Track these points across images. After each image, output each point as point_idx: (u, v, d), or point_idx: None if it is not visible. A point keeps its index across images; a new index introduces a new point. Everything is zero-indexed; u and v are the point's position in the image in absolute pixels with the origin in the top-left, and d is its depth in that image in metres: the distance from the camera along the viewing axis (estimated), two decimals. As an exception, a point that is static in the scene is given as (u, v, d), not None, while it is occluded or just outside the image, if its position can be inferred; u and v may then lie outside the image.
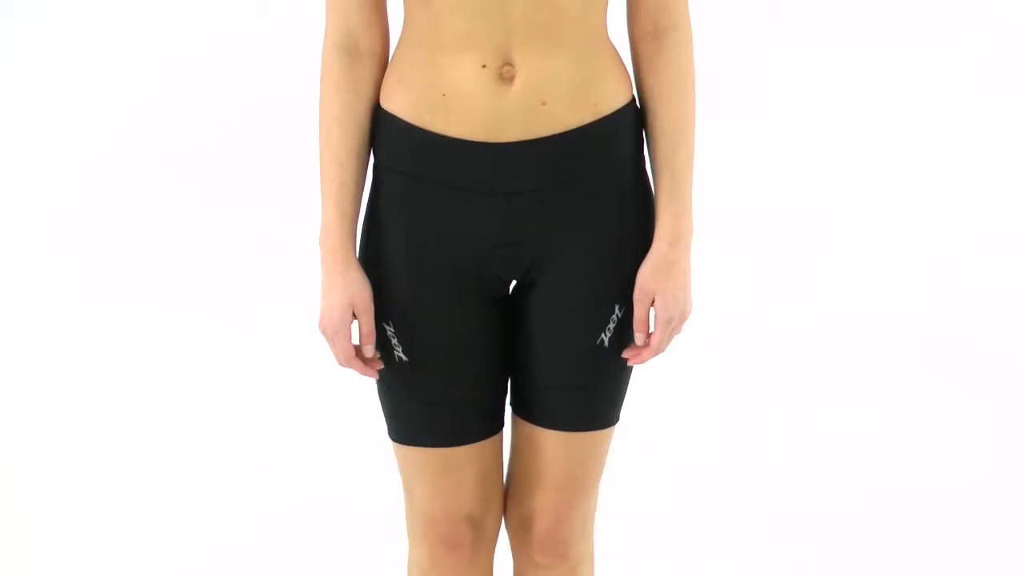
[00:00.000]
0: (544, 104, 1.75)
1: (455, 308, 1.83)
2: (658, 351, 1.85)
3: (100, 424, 3.61)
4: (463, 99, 1.73)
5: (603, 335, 1.82)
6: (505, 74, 1.74)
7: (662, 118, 1.79)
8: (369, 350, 1.90)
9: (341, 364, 1.87)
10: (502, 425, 1.97)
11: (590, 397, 1.86)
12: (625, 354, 1.85)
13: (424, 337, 1.84)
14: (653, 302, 1.82)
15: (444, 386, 1.86)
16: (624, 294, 1.81)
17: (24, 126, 4.51)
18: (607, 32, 1.82)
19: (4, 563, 3.00)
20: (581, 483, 1.93)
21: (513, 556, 2.07)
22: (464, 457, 1.90)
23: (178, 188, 4.36)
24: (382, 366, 1.92)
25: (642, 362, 1.87)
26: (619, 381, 1.88)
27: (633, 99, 1.84)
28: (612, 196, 1.79)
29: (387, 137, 1.80)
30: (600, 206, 1.78)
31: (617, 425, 1.95)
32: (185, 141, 4.43)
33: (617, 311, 1.81)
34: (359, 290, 1.85)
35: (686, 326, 1.89)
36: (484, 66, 1.73)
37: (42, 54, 4.57)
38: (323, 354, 1.89)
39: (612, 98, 1.79)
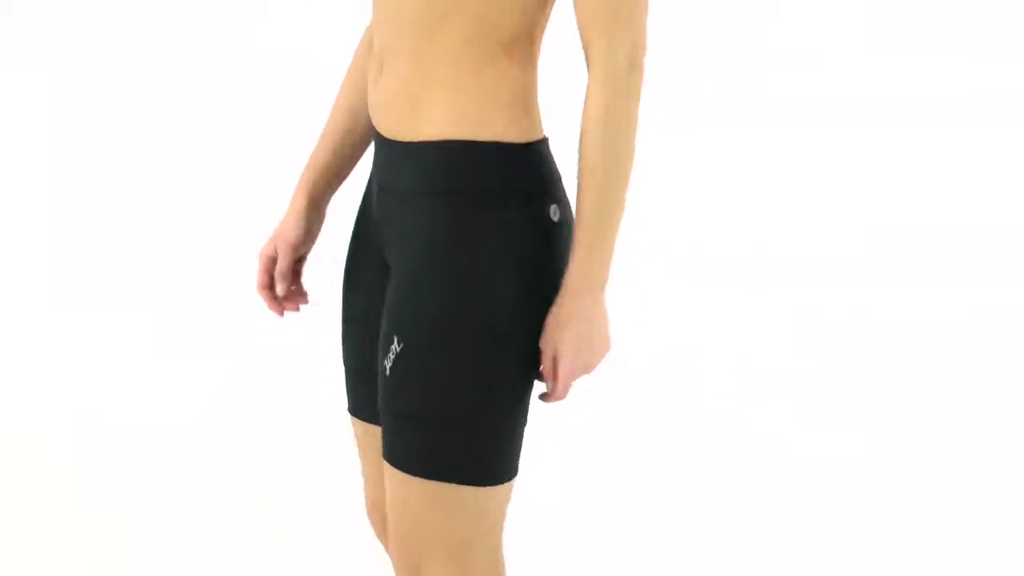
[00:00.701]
0: (381, 109, 1.78)
1: None
2: (560, 398, 1.81)
3: (100, 424, 3.61)
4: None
5: (385, 361, 1.76)
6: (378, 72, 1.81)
7: (581, 156, 1.70)
8: (282, 288, 1.97)
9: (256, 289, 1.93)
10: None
11: (388, 426, 1.77)
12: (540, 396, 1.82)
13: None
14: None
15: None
16: (403, 330, 1.73)
17: (24, 126, 4.51)
18: (475, 60, 1.73)
19: (4, 562, 3.00)
20: (412, 543, 1.79)
21: None
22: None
23: (177, 188, 4.36)
24: (294, 309, 2.00)
25: (549, 402, 1.84)
26: (418, 427, 1.75)
27: (476, 142, 1.73)
28: (419, 227, 1.74)
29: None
30: (410, 233, 1.74)
31: (475, 498, 1.76)
32: (184, 142, 4.43)
33: (396, 345, 1.73)
34: (285, 230, 1.94)
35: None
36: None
37: (42, 55, 4.57)
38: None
39: (433, 126, 1.73)
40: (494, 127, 1.70)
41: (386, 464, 1.78)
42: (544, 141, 1.73)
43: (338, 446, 3.47)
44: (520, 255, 1.70)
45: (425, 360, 1.70)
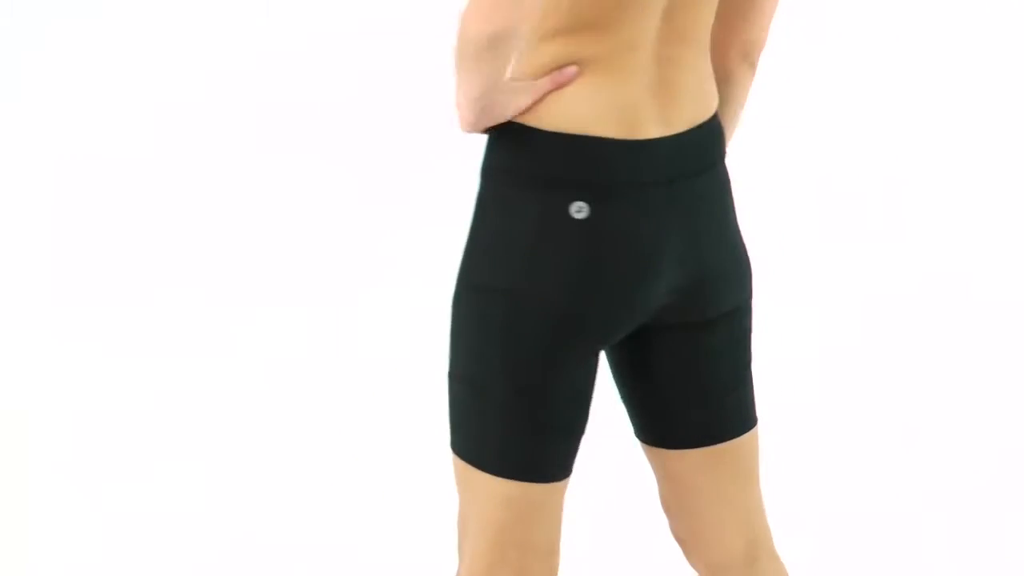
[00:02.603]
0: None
1: None
2: None
3: (98, 424, 3.61)
4: None
5: None
6: None
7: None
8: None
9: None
10: None
11: None
12: None
13: None
14: None
15: None
16: None
17: (25, 126, 4.50)
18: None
19: (4, 562, 3.00)
20: None
21: None
22: None
23: (176, 188, 4.34)
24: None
25: None
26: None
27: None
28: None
29: None
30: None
31: (467, 476, 1.84)
32: (183, 141, 4.42)
33: None
34: None
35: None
36: None
37: (41, 55, 4.56)
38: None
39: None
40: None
41: None
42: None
43: (338, 447, 3.46)
44: None
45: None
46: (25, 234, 4.35)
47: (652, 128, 1.70)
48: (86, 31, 4.59)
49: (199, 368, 3.84)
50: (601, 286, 1.70)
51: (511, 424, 1.75)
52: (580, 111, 1.69)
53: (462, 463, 1.80)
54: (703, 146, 1.75)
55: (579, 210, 1.69)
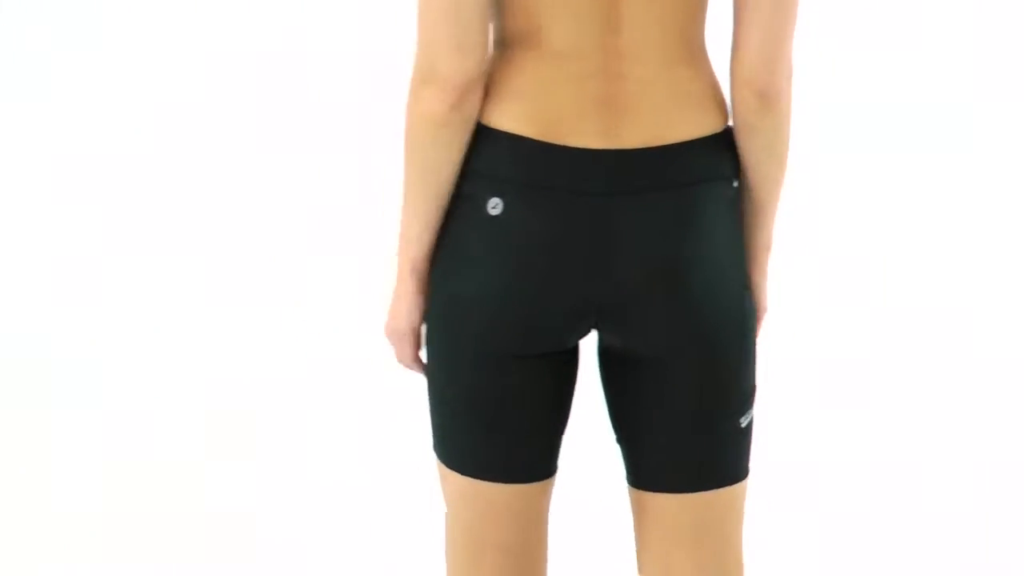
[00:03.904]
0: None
1: None
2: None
3: (97, 424, 3.61)
4: None
5: None
6: None
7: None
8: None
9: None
10: None
11: None
12: None
13: None
14: None
15: None
16: None
17: (26, 126, 4.51)
18: None
19: (5, 560, 3.00)
20: None
21: None
22: None
23: (176, 188, 4.36)
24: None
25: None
26: None
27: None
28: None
29: None
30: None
31: (439, 466, 1.84)
32: (183, 141, 4.43)
33: None
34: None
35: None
36: None
37: (42, 54, 4.58)
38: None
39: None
40: None
41: None
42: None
43: (338, 446, 3.47)
44: None
45: None
46: (25, 234, 4.36)
47: (590, 139, 1.64)
48: (86, 31, 4.60)
49: (199, 368, 3.84)
50: (510, 287, 1.66)
51: (456, 422, 1.75)
52: (507, 110, 1.66)
53: (436, 458, 1.81)
54: (659, 166, 1.64)
55: (494, 206, 1.66)
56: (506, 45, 1.68)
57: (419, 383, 1.99)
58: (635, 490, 1.80)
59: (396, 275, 1.75)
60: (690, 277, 1.66)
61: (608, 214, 1.64)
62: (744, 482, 1.78)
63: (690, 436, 1.72)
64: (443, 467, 1.80)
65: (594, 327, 1.71)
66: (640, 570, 1.85)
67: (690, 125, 1.66)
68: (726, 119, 1.71)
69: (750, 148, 1.70)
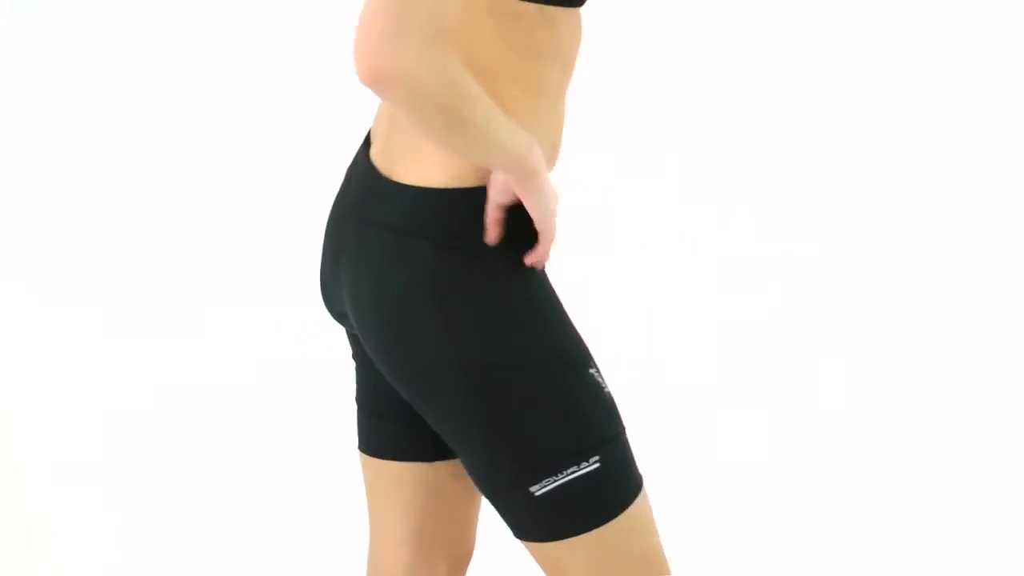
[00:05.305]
0: None
1: None
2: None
3: (98, 423, 3.61)
4: None
5: None
6: None
7: None
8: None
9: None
10: None
11: None
12: None
13: None
14: None
15: None
16: None
17: (26, 126, 4.51)
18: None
19: (5, 560, 3.00)
20: None
21: None
22: None
23: (176, 188, 4.36)
24: None
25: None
26: None
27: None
28: None
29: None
30: None
31: None
32: (182, 141, 4.44)
33: None
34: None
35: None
36: None
37: (41, 54, 4.58)
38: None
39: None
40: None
41: None
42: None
43: (336, 446, 3.47)
44: None
45: None
46: (25, 234, 4.36)
47: (378, 157, 1.71)
48: (86, 31, 4.60)
49: (199, 368, 3.85)
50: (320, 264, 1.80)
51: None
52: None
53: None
54: (374, 199, 1.69)
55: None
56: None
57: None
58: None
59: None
60: (397, 344, 1.71)
61: (350, 234, 1.77)
62: (559, 543, 1.66)
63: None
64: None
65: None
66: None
67: (418, 176, 1.68)
68: None
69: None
